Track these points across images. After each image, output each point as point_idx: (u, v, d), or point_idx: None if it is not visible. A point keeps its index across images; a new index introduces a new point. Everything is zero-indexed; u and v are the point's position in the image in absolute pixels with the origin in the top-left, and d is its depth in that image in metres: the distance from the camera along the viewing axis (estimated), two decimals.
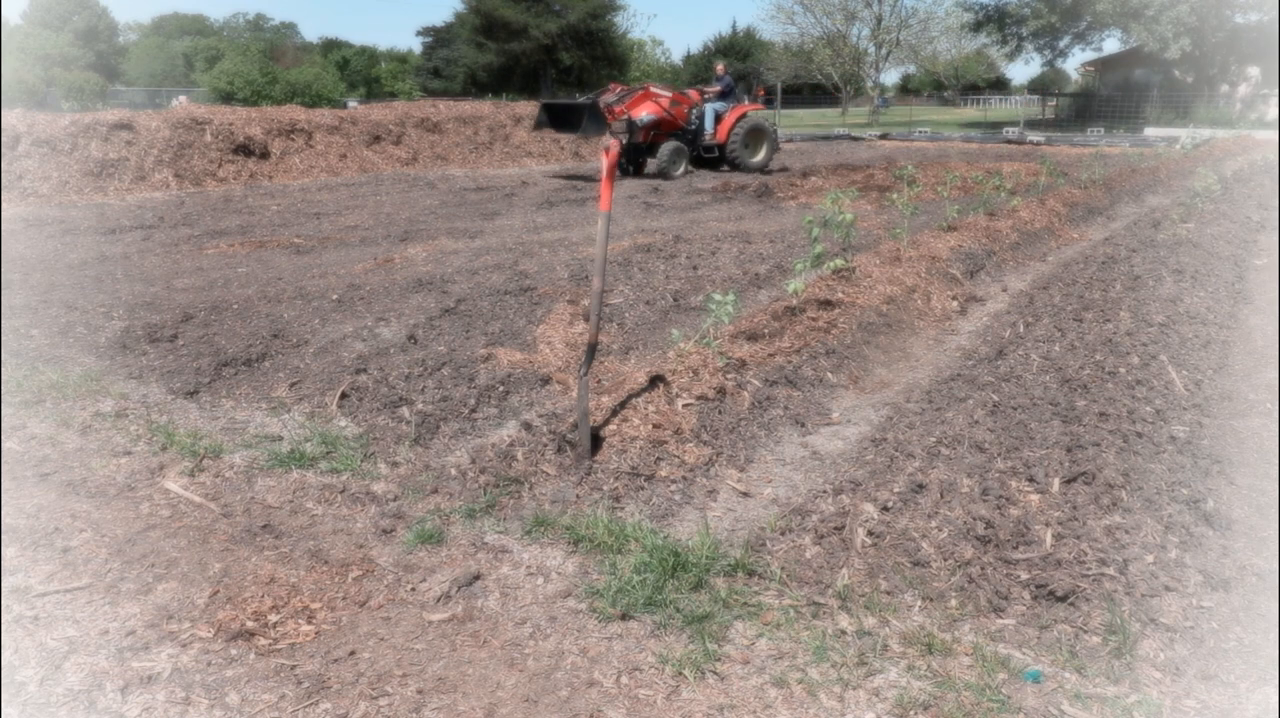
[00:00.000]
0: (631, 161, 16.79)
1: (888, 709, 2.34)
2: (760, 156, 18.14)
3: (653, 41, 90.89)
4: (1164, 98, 38.03)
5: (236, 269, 7.89)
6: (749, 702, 2.37)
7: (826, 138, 30.71)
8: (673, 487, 3.60)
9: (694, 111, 17.30)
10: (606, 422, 3.95)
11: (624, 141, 16.26)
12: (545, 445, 3.83)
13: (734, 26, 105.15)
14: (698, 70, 78.53)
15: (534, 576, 2.99)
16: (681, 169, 16.72)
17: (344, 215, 11.48)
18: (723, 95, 17.74)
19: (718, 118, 17.46)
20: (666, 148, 16.47)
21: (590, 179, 16.45)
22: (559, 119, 16.49)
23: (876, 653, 2.55)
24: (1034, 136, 28.92)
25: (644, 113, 16.34)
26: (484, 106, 21.95)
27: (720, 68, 18.55)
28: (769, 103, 27.99)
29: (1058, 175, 12.19)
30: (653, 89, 17.05)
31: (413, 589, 2.91)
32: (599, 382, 4.59)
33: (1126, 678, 2.42)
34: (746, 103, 18.21)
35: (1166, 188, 13.88)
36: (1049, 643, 2.58)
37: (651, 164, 16.52)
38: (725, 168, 17.54)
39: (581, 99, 16.90)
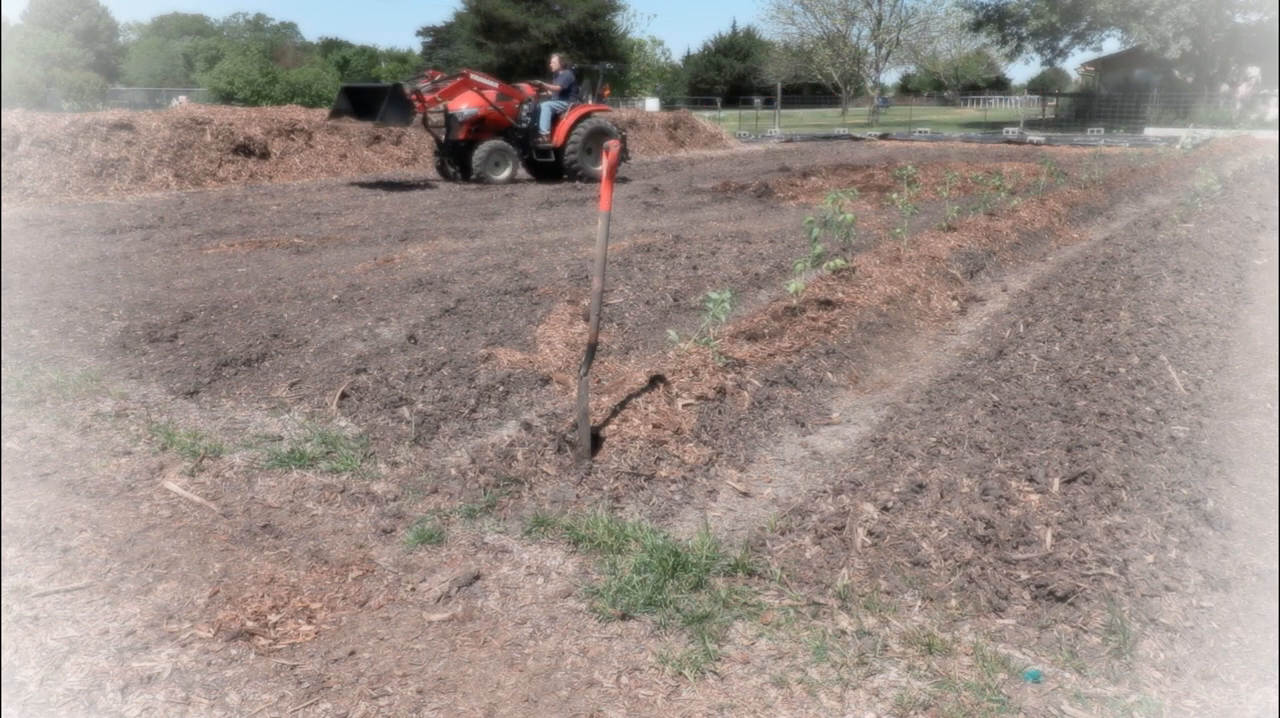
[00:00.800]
0: (455, 163, 15.04)
1: (888, 709, 2.34)
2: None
3: (653, 41, 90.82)
4: (1164, 98, 38.03)
5: (236, 269, 7.89)
6: (749, 702, 2.37)
7: (826, 138, 30.73)
8: (673, 487, 3.60)
9: (525, 108, 15.24)
10: (606, 422, 3.95)
11: (441, 139, 14.96)
12: (545, 445, 3.83)
13: (734, 26, 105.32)
14: (698, 70, 78.69)
15: (534, 576, 2.99)
16: (506, 173, 14.86)
17: (344, 215, 11.48)
18: (564, 93, 15.65)
19: (555, 118, 15.34)
20: (485, 147, 14.57)
21: (403, 184, 14.99)
22: (361, 105, 14.21)
23: (876, 653, 2.55)
24: (1034, 136, 28.93)
25: (464, 105, 14.42)
26: None
27: (556, 61, 16.18)
28: (771, 103, 27.26)
29: (1058, 175, 12.19)
30: (474, 77, 15.02)
31: (413, 589, 2.91)
32: (599, 382, 4.59)
33: (1126, 678, 2.42)
34: (590, 102, 16.04)
35: (1166, 188, 13.88)
36: (1049, 643, 2.58)
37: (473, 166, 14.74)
38: (566, 177, 15.52)
39: (386, 83, 14.79)
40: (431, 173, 16.05)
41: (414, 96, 13.67)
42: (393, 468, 3.80)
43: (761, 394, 4.47)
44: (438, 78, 14.68)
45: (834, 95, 61.91)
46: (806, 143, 28.48)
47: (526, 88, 15.51)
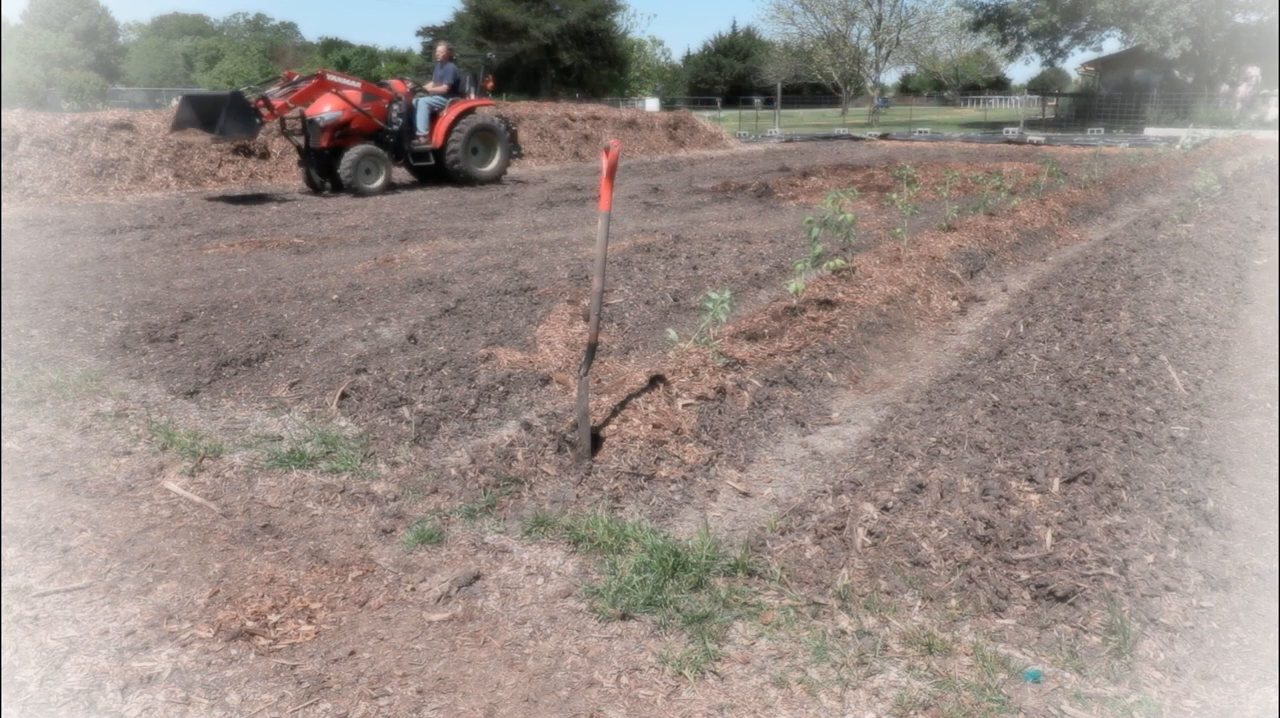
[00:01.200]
0: (323, 173, 13.50)
1: (888, 709, 2.34)
2: (493, 165, 14.82)
3: (653, 41, 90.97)
4: (1164, 98, 38.03)
5: (236, 269, 7.89)
6: (749, 702, 2.37)
7: (826, 138, 30.73)
8: (673, 487, 3.60)
9: (395, 108, 13.79)
10: (606, 422, 3.95)
11: (301, 146, 13.49)
12: (545, 445, 3.83)
13: (734, 26, 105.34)
14: (698, 70, 78.70)
15: (534, 576, 2.99)
16: (380, 181, 13.42)
17: (344, 215, 11.48)
18: (451, 89, 14.35)
19: (433, 116, 14.03)
20: (353, 154, 13.08)
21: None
22: (205, 116, 12.48)
23: (876, 653, 2.55)
24: (1034, 136, 28.93)
25: (326, 109, 13.00)
26: None
27: (442, 51, 14.76)
28: (771, 103, 26.63)
29: (1058, 175, 12.19)
30: (330, 77, 13.36)
31: (413, 589, 2.91)
32: (599, 382, 4.59)
33: (1126, 678, 2.42)
34: (473, 97, 14.62)
35: (1166, 188, 13.88)
36: (1049, 643, 2.58)
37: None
38: (461, 180, 14.36)
39: (228, 91, 13.10)
40: (297, 181, 14.57)
41: (259, 104, 12.32)
42: (393, 468, 3.80)
43: (761, 394, 4.47)
44: (295, 79, 13.25)
45: (834, 95, 61.93)
46: (806, 143, 28.48)
47: (398, 85, 14.13)
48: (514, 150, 15.27)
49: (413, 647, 2.62)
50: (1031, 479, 3.29)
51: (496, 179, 14.83)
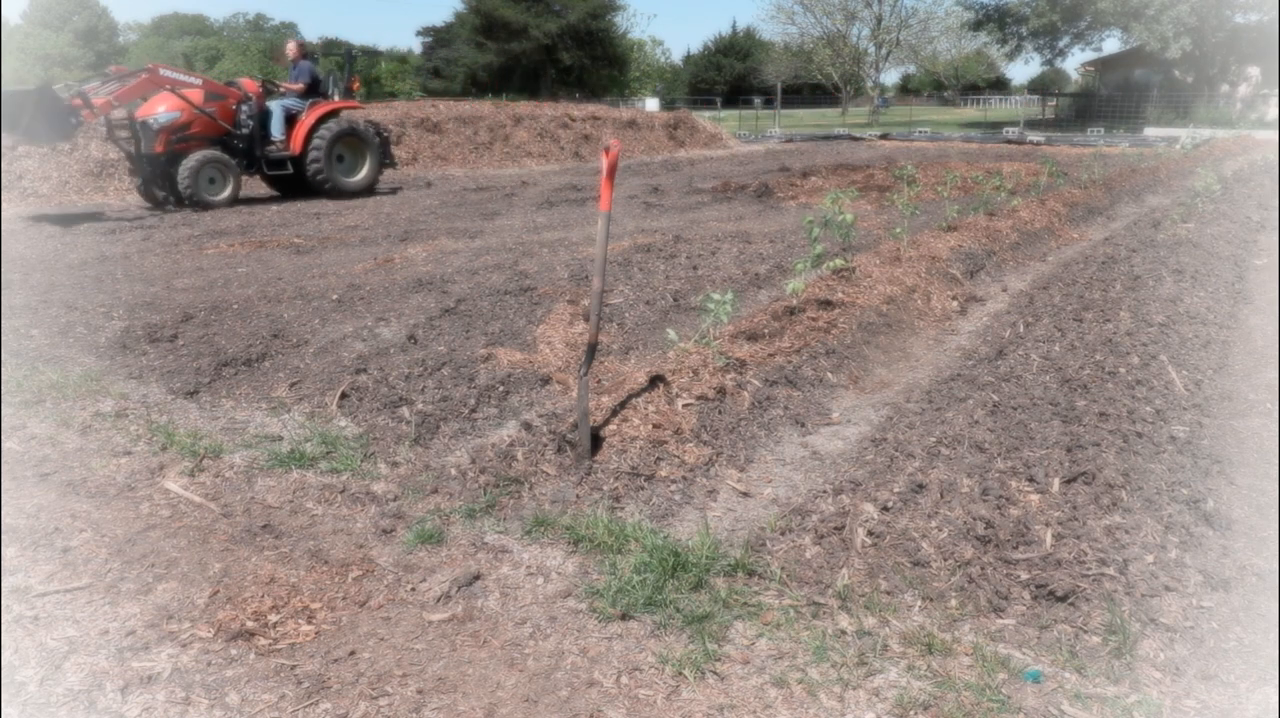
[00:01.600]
0: (162, 183, 11.72)
1: (888, 709, 2.34)
2: (362, 174, 13.32)
3: (653, 41, 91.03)
4: (1164, 98, 38.03)
5: (236, 269, 7.89)
6: (749, 702, 2.37)
7: (826, 138, 30.73)
8: (673, 487, 3.60)
9: (244, 109, 12.20)
10: (606, 422, 3.95)
11: (131, 153, 11.72)
12: (545, 445, 3.83)
13: (734, 26, 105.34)
14: (698, 70, 78.72)
15: (534, 576, 2.99)
16: (226, 193, 11.83)
17: (344, 215, 11.48)
18: (308, 90, 12.81)
19: (290, 119, 12.55)
20: (193, 161, 11.48)
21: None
22: (10, 116, 10.50)
23: (876, 653, 2.55)
24: (1034, 136, 28.94)
25: (160, 110, 11.42)
26: (484, 107, 21.98)
27: (292, 48, 13.05)
28: (771, 103, 26.16)
29: (1058, 175, 12.19)
30: (163, 72, 11.67)
31: (413, 589, 2.91)
32: (599, 382, 4.59)
33: (1126, 678, 2.42)
34: (336, 99, 13.19)
35: (1166, 188, 13.88)
36: (1049, 643, 2.58)
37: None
38: (326, 192, 12.83)
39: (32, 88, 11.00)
40: (134, 195, 12.71)
41: (76, 102, 10.59)
42: (393, 468, 3.80)
43: (761, 394, 4.47)
44: (123, 73, 11.76)
45: (834, 95, 61.93)
46: (806, 143, 28.48)
47: (247, 84, 12.52)
48: (386, 159, 13.79)
49: (413, 647, 2.62)
50: (1031, 479, 3.29)
51: (367, 190, 13.39)
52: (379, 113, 19.07)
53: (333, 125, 12.77)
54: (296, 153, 12.49)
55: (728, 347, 4.89)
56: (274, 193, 13.42)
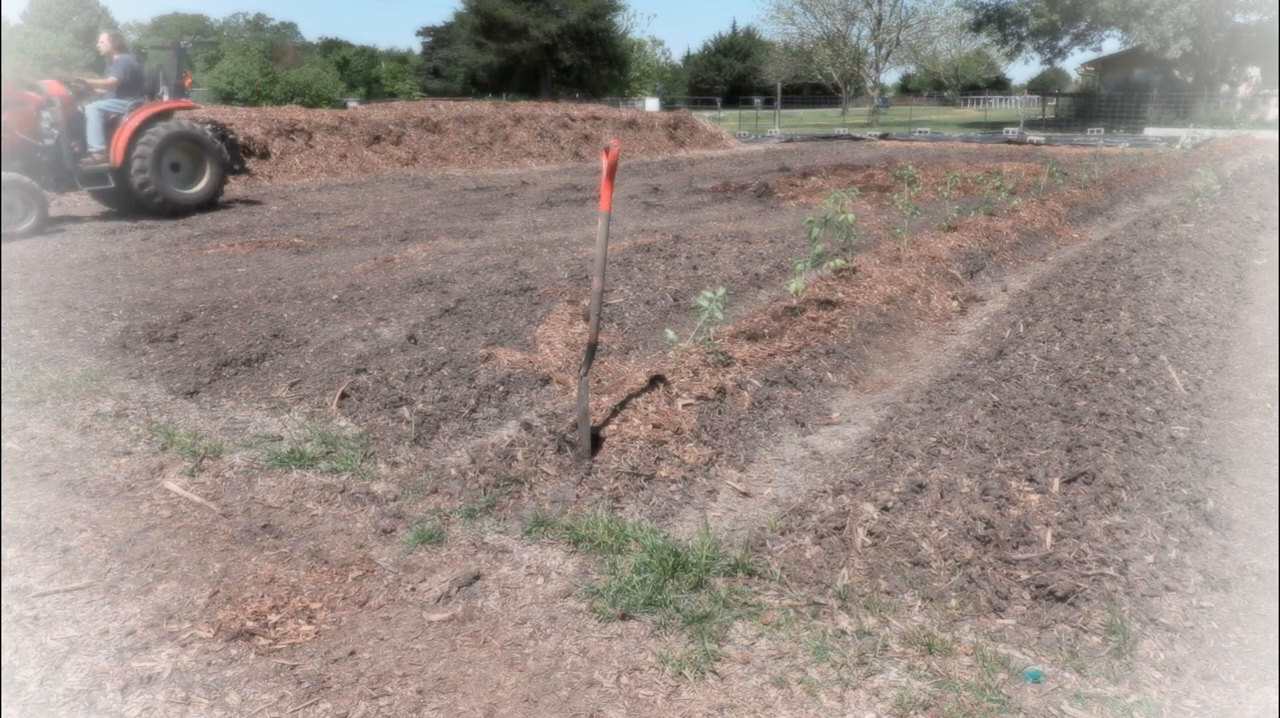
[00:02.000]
0: None
1: (888, 709, 2.34)
2: (202, 184, 11.32)
3: (653, 41, 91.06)
4: (1164, 98, 38.03)
5: (236, 269, 7.89)
6: (749, 702, 2.37)
7: (826, 138, 30.73)
8: (673, 487, 3.60)
9: (47, 116, 9.99)
10: (606, 422, 3.95)
11: None
12: (545, 445, 3.83)
13: (734, 26, 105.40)
14: (698, 70, 78.72)
15: (534, 576, 2.99)
16: (30, 222, 9.36)
17: (344, 215, 11.48)
18: (124, 88, 10.61)
19: (109, 124, 10.41)
20: None
21: None
22: None
23: (876, 653, 2.55)
24: (1034, 136, 28.94)
25: None
26: (484, 107, 21.97)
27: (104, 40, 10.86)
28: (771, 103, 25.31)
29: (1058, 175, 12.20)
30: None
31: (413, 589, 2.91)
32: (599, 382, 4.59)
33: (1126, 678, 2.42)
34: (166, 99, 11.10)
35: (1166, 188, 13.88)
36: (1049, 643, 2.58)
37: None
38: (158, 207, 10.75)
39: None
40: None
41: None
42: (393, 468, 3.80)
43: (761, 394, 4.47)
44: None
45: (834, 95, 61.93)
46: (806, 143, 28.48)
47: (51, 86, 10.19)
48: (234, 164, 12.06)
49: (413, 647, 2.62)
50: (1031, 479, 3.29)
51: (209, 202, 11.46)
52: (379, 112, 19.07)
53: (161, 129, 10.69)
54: (118, 163, 10.37)
55: (728, 346, 4.89)
56: (106, 209, 11.27)
